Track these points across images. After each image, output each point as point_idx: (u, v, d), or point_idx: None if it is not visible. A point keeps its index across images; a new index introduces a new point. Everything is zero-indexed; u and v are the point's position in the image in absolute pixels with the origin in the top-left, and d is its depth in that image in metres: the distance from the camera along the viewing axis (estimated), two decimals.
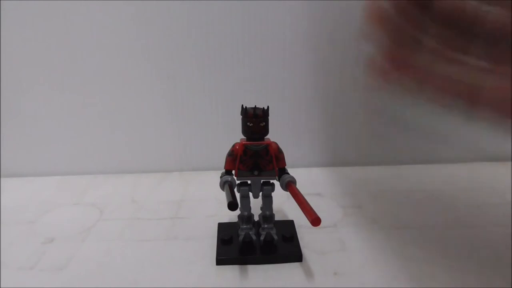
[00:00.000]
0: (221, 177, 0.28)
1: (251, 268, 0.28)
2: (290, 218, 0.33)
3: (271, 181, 0.29)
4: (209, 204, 0.37)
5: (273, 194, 0.29)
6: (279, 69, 0.42)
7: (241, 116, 0.28)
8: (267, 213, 0.30)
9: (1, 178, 0.43)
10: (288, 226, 0.32)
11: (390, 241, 0.31)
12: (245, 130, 0.28)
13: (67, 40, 0.40)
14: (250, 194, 0.29)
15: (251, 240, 0.29)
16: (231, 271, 0.27)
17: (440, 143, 0.46)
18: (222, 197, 0.25)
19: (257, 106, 0.28)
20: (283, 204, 0.35)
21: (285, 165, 0.28)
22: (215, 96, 0.42)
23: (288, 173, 0.28)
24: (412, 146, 0.46)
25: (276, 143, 0.28)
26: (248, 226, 0.29)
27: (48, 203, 0.38)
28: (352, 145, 0.45)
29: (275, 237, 0.29)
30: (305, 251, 0.29)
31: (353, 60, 0.41)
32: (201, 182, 0.42)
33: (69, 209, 0.37)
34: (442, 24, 0.20)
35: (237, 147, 0.28)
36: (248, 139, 0.28)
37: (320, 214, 0.23)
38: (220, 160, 0.28)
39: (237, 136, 0.29)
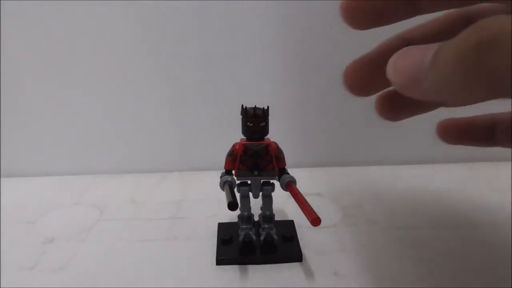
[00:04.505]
0: (221, 177, 0.28)
1: (251, 268, 0.28)
2: (290, 218, 0.33)
3: (271, 181, 0.29)
4: (209, 204, 0.37)
5: (273, 194, 0.29)
6: (279, 69, 0.42)
7: (241, 116, 0.28)
8: (267, 213, 0.30)
9: (1, 178, 0.43)
10: (288, 226, 0.32)
11: (390, 241, 0.31)
12: (245, 130, 0.28)
13: (67, 40, 0.40)
14: (250, 194, 0.29)
15: (251, 240, 0.29)
16: (231, 271, 0.27)
17: (440, 143, 0.46)
18: (222, 197, 0.25)
19: (257, 106, 0.28)
20: (283, 204, 0.35)
21: (285, 165, 0.28)
22: (215, 96, 0.42)
23: (288, 173, 0.28)
24: (412, 146, 0.46)
25: (276, 143, 0.28)
26: (248, 226, 0.29)
27: (48, 203, 0.38)
28: (352, 145, 0.45)
29: (275, 237, 0.29)
30: (305, 251, 0.29)
31: (353, 59, 0.41)
32: (201, 182, 0.42)
33: (69, 209, 0.37)
34: None
35: (237, 147, 0.28)
36: (248, 139, 0.28)
37: (320, 214, 0.23)
38: (220, 160, 0.28)
39: (237, 136, 0.29)
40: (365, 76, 0.20)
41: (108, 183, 0.42)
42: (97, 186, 0.42)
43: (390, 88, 0.21)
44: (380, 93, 0.21)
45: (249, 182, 0.29)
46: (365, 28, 0.19)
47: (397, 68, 0.14)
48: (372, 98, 0.44)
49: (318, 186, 0.40)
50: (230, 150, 0.28)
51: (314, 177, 0.42)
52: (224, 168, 0.28)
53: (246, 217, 0.29)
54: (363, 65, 0.20)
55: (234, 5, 0.39)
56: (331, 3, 0.39)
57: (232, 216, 0.32)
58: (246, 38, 0.40)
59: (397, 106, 0.21)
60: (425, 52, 0.14)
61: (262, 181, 0.29)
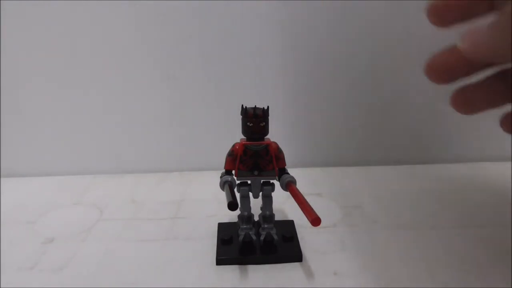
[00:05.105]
0: (221, 177, 0.28)
1: (251, 268, 0.28)
2: (290, 218, 0.33)
3: (271, 181, 0.29)
4: (209, 204, 0.37)
5: (273, 194, 0.29)
6: (279, 69, 0.42)
7: (241, 116, 0.28)
8: (267, 213, 0.30)
9: (1, 178, 0.43)
10: (288, 226, 0.32)
11: (390, 241, 0.31)
12: (245, 130, 0.28)
13: (68, 40, 0.40)
14: (250, 194, 0.29)
15: (251, 240, 0.29)
16: (231, 271, 0.27)
17: (440, 143, 0.46)
18: (222, 197, 0.25)
19: (257, 106, 0.28)
20: (283, 204, 0.35)
21: (285, 165, 0.28)
22: (215, 96, 0.42)
23: (288, 173, 0.28)
24: (412, 146, 0.46)
25: (276, 143, 0.28)
26: (248, 226, 0.29)
27: (48, 203, 0.38)
28: (352, 145, 0.45)
29: (275, 237, 0.29)
30: (305, 251, 0.29)
31: (353, 59, 0.41)
32: (201, 182, 0.42)
33: (69, 209, 0.37)
34: None
35: (237, 147, 0.28)
36: (248, 139, 0.28)
37: (320, 214, 0.23)
38: (220, 160, 0.28)
39: (237, 136, 0.29)
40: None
41: (108, 183, 0.42)
42: (97, 186, 0.42)
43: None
44: (456, 88, 0.23)
45: (249, 182, 0.29)
46: (448, 26, 0.22)
47: (464, 38, 0.19)
48: (370, 98, 0.44)
49: (318, 186, 0.40)
50: (230, 150, 0.28)
51: (314, 177, 0.42)
52: (224, 168, 0.28)
53: (246, 217, 0.30)
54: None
55: (234, 5, 0.39)
56: (331, 4, 0.39)
57: (232, 216, 0.32)
58: (246, 38, 0.40)
59: (471, 100, 0.23)
60: (484, 24, 0.18)
61: (262, 181, 0.29)
